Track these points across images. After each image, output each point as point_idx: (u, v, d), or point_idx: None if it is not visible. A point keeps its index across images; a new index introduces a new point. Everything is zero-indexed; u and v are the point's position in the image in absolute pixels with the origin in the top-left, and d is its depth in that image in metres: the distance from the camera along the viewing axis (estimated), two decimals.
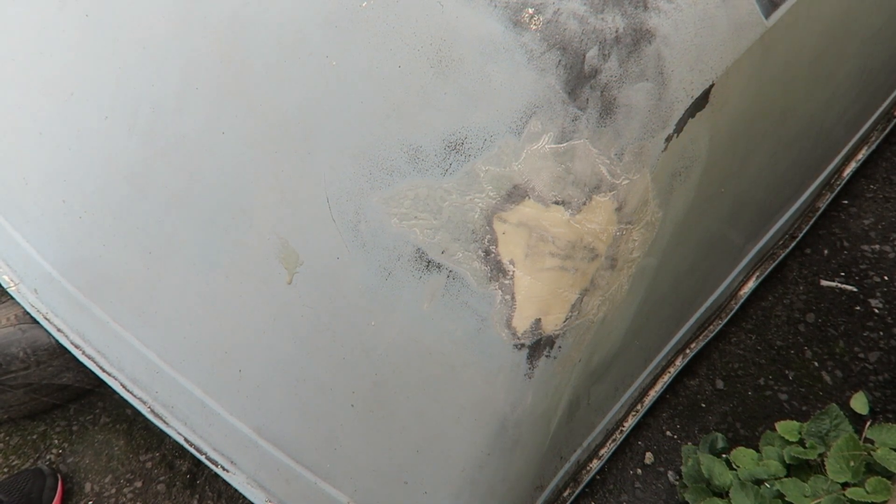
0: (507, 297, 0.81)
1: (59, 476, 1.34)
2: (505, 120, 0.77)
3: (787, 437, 1.20)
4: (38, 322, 1.12)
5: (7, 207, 1.11)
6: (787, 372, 1.40)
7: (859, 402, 1.30)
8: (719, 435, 1.29)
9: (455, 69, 0.79)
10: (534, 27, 0.76)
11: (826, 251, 1.57)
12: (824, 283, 1.52)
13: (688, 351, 1.31)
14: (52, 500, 1.31)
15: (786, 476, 1.15)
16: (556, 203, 0.78)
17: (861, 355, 1.40)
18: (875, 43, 1.26)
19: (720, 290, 1.29)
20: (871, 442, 1.16)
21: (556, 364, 0.85)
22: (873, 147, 1.63)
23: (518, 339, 0.82)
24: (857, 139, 1.54)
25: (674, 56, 0.79)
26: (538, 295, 0.81)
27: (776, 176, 1.19)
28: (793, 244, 1.47)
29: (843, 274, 1.53)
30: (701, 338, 1.33)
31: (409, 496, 0.92)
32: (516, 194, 0.78)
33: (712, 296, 1.28)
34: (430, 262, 0.82)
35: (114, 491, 1.34)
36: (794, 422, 1.23)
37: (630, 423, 1.22)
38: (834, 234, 1.60)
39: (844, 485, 1.10)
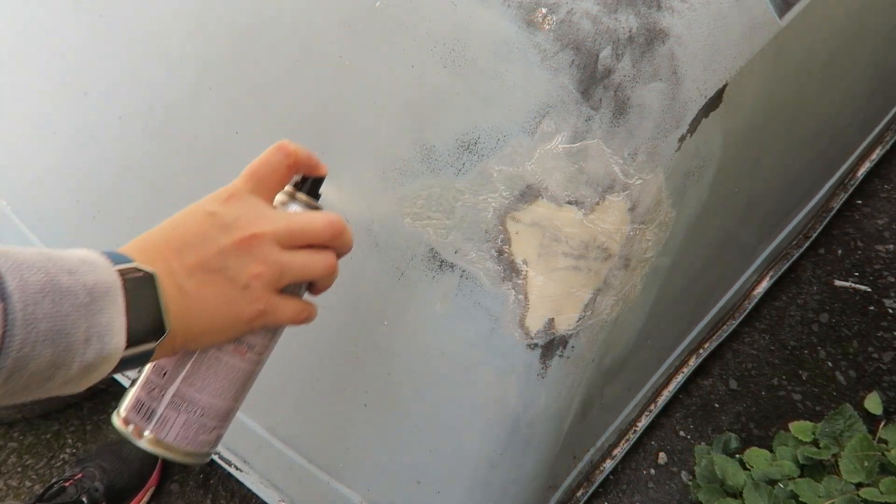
0: (520, 296, 0.81)
1: None
2: (518, 120, 0.77)
3: (800, 437, 1.20)
4: None
5: (23, 209, 1.12)
6: (800, 372, 1.39)
7: (873, 403, 1.30)
8: (732, 435, 1.29)
9: (468, 69, 0.79)
10: (547, 27, 0.76)
11: (840, 251, 1.57)
12: (838, 283, 1.52)
13: (701, 351, 1.30)
14: (151, 473, 1.31)
15: (799, 476, 1.15)
16: (569, 203, 0.78)
17: (875, 355, 1.39)
18: (889, 42, 1.25)
19: (733, 290, 1.29)
20: (885, 442, 1.16)
21: (569, 364, 0.85)
22: (887, 147, 1.62)
23: (531, 338, 0.82)
24: (871, 139, 1.53)
25: (687, 56, 0.79)
26: (551, 294, 0.81)
27: (789, 176, 1.19)
28: (806, 244, 1.46)
29: (856, 274, 1.52)
30: (714, 338, 1.32)
31: (422, 495, 0.92)
32: (529, 194, 0.78)
33: (725, 295, 1.27)
34: (443, 261, 0.82)
35: None
36: (808, 422, 1.23)
37: (643, 422, 1.22)
38: (847, 233, 1.59)
39: (858, 485, 1.09)
